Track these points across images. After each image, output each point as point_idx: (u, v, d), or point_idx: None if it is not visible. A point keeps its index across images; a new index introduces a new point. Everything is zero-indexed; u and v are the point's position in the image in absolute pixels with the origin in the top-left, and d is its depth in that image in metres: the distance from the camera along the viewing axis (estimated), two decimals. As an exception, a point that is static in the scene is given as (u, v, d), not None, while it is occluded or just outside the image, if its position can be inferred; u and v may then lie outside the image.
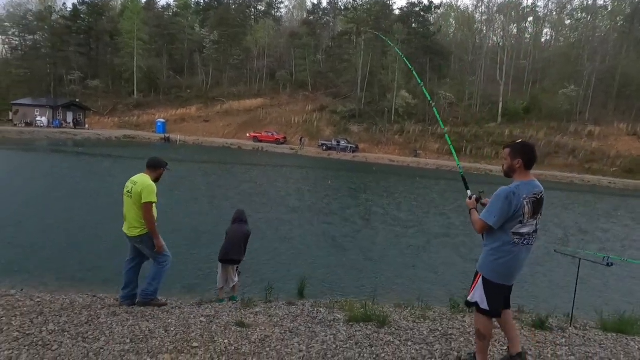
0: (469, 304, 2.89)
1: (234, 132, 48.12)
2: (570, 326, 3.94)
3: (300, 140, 42.88)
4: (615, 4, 58.79)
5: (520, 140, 2.87)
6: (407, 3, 57.02)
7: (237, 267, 4.82)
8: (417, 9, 56.31)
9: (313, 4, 71.06)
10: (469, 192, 3.15)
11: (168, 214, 8.89)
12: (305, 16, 73.01)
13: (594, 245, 10.33)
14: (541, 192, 2.69)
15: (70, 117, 43.70)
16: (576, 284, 4.07)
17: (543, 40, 68.78)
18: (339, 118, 47.65)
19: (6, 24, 66.07)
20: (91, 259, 6.62)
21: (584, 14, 60.21)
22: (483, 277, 2.76)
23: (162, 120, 47.53)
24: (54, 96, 50.22)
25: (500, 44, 54.65)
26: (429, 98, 4.11)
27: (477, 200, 3.03)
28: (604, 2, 58.37)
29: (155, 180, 4.18)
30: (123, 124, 49.83)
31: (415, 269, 7.37)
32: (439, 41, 56.38)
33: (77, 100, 47.32)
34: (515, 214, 2.59)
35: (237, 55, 59.36)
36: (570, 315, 4.10)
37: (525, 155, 2.70)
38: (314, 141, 43.22)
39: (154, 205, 4.07)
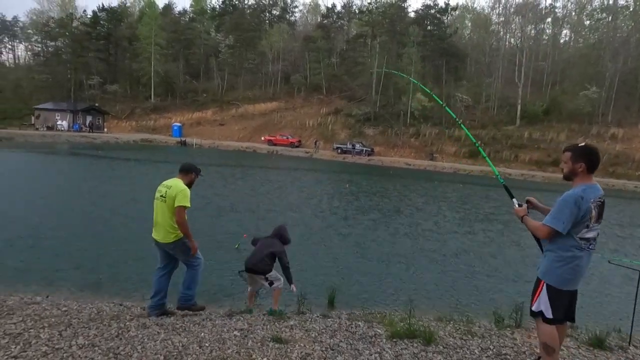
0: (534, 314, 2.80)
1: (248, 135, 48.34)
2: (630, 345, 3.63)
3: (315, 143, 42.77)
4: (638, 3, 57.24)
5: (582, 144, 2.80)
6: (423, 5, 56.63)
7: (267, 277, 4.42)
8: (433, 10, 55.81)
9: (327, 8, 71.05)
10: (515, 200, 3.06)
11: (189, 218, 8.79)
12: (319, 20, 73.13)
13: (635, 254, 9.84)
14: (603, 196, 2.68)
15: (89, 120, 44.52)
16: (636, 299, 3.75)
17: (562, 41, 67.42)
18: (353, 121, 47.42)
19: (29, 31, 68.04)
20: (113, 263, 6.52)
21: (604, 14, 58.76)
22: (547, 284, 2.72)
23: (179, 124, 48.03)
24: (74, 101, 51.29)
25: (518, 45, 53.72)
26: (454, 116, 3.89)
27: (527, 208, 2.97)
28: (626, 1, 56.84)
29: (188, 186, 4.13)
30: (140, 128, 50.59)
31: (445, 277, 7.04)
32: (455, 43, 55.71)
33: (96, 104, 48.20)
34: (583, 218, 2.58)
35: (252, 59, 59.75)
36: (630, 333, 3.78)
37: (588, 159, 2.66)
38: (329, 144, 43.07)
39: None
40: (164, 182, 4.11)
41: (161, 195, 4.01)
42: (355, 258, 7.76)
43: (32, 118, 43.33)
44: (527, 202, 3.01)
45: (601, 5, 59.68)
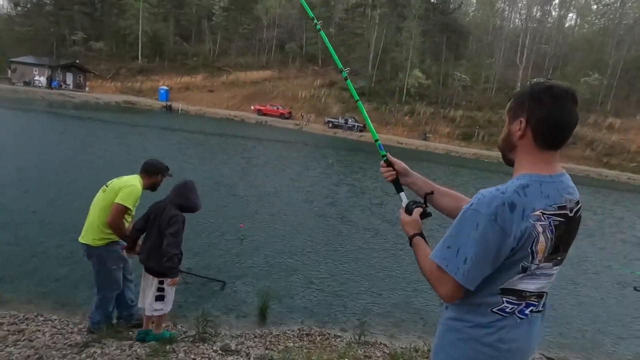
0: None
1: (238, 103, 46.63)
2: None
3: (302, 116, 41.35)
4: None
5: (536, 81, 1.26)
6: (427, -24, 53.92)
7: (162, 282, 3.00)
8: (437, -18, 53.26)
9: (328, -26, 67.57)
10: (404, 195, 1.61)
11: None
12: (319, -14, 69.73)
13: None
14: (576, 201, 1.23)
15: (70, 78, 42.35)
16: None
17: (567, 25, 65.51)
18: (347, 95, 45.79)
19: (9, -22, 63.86)
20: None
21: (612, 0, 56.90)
22: None
23: (166, 87, 46.05)
24: (57, 57, 48.68)
25: (522, 26, 51.89)
26: (355, 96, 2.38)
27: (424, 212, 1.48)
28: (636, -13, 54.91)
29: (150, 189, 3.26)
30: (125, 89, 48.43)
31: (413, 289, 5.70)
32: (457, 19, 53.59)
33: (77, 61, 45.71)
34: (516, 253, 1.16)
35: (246, 24, 57.05)
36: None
37: (540, 113, 1.18)
38: (321, 118, 41.68)
39: (127, 214, 3.10)
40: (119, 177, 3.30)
41: (105, 185, 3.23)
42: (310, 256, 6.45)
43: (9, 72, 41.01)
44: (429, 196, 1.54)
45: (611, -10, 57.71)
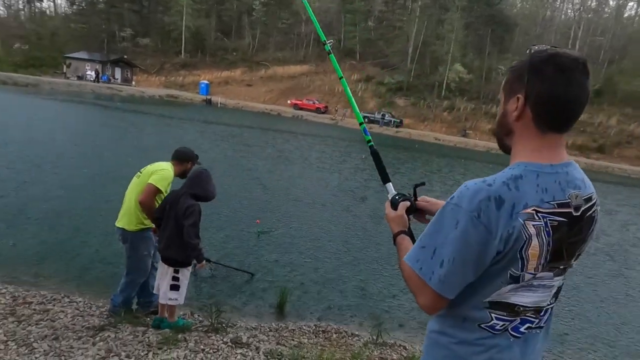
0: None
1: (275, 98, 47.17)
2: None
3: (336, 110, 41.20)
4: None
5: (538, 48, 0.99)
6: (472, -34, 51.81)
7: (178, 272, 3.05)
8: (483, -27, 51.05)
9: (369, -34, 66.60)
10: (390, 187, 1.45)
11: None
12: (359, -21, 68.89)
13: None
14: (586, 197, 1.00)
15: (118, 73, 44.51)
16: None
17: (626, 15, 60.85)
18: (384, 90, 45.18)
19: (66, -22, 67.78)
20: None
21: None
22: None
23: (206, 82, 47.35)
24: (107, 52, 51.34)
25: (575, 16, 48.79)
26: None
27: (411, 207, 1.31)
28: None
29: (181, 176, 3.38)
30: (169, 84, 50.28)
31: None
32: (503, 10, 51.17)
33: (125, 56, 47.97)
34: (502, 258, 0.96)
35: (285, 19, 57.51)
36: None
37: (541, 88, 0.95)
38: (357, 113, 41.38)
39: (159, 196, 3.22)
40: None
41: (139, 172, 3.40)
42: (334, 252, 6.27)
43: (64, 67, 43.72)
44: (419, 187, 1.37)
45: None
